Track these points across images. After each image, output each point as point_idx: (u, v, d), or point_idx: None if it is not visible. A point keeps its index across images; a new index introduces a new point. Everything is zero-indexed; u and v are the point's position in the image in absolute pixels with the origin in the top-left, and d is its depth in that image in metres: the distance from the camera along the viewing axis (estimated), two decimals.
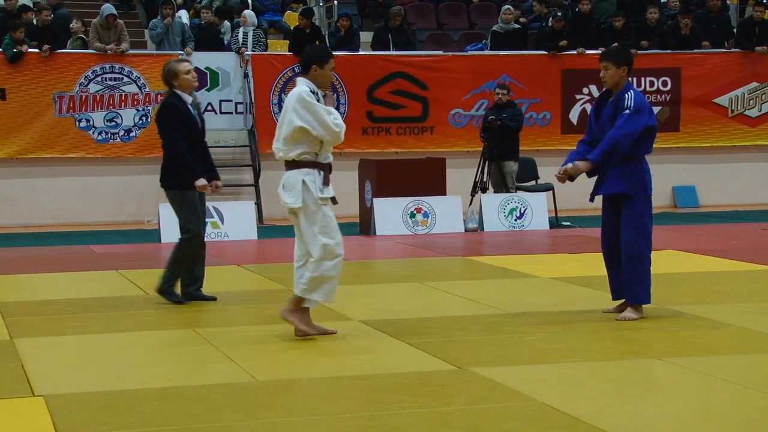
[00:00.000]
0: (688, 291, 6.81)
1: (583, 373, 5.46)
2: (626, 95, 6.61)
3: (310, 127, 6.13)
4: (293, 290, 6.45)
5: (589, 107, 15.05)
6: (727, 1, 17.11)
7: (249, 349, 6.23)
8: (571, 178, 6.72)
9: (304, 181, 6.17)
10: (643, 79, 14.96)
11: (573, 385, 5.24)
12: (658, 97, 15.15)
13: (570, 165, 6.67)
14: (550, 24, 15.21)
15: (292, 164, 6.24)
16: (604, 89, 6.81)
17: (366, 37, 15.69)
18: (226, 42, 14.88)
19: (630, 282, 6.65)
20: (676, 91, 15.28)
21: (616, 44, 14.79)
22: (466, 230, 12.39)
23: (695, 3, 16.47)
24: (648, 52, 14.86)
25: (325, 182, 6.21)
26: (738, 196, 14.96)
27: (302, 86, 6.28)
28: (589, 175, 6.73)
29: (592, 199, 6.88)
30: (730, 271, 8.82)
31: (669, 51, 15.15)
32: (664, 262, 8.41)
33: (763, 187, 15.26)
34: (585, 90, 15.14)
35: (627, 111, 6.56)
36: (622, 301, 6.78)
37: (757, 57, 15.25)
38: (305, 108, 6.15)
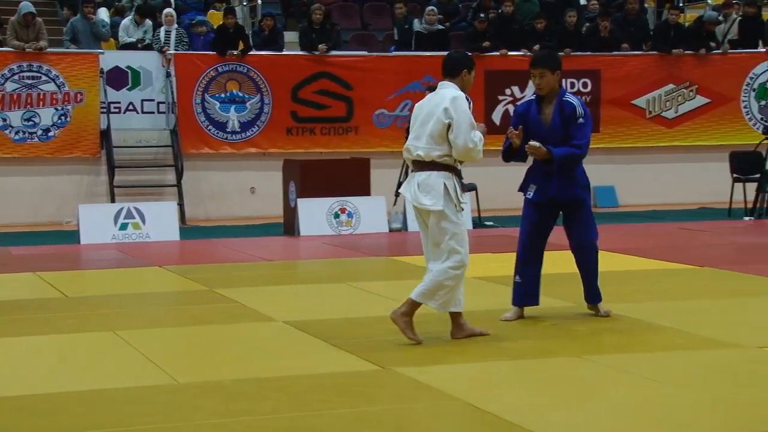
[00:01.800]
0: (608, 290, 6.89)
1: (507, 371, 5.49)
2: (574, 102, 6.54)
3: (455, 127, 5.92)
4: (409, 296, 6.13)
5: (511, 108, 15.23)
6: (645, 4, 17.42)
7: (170, 352, 6.14)
8: (530, 155, 6.51)
9: (445, 185, 5.94)
10: (563, 80, 15.12)
11: (496, 383, 5.27)
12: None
13: (538, 144, 6.43)
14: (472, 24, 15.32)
15: (430, 165, 5.99)
16: (535, 96, 6.66)
17: (291, 36, 15.62)
18: (147, 41, 14.70)
19: (591, 283, 6.69)
20: (596, 92, 15.51)
21: (538, 47, 14.98)
22: (390, 230, 12.41)
23: (614, 6, 16.74)
24: (566, 54, 15.02)
25: (463, 188, 6.03)
26: (656, 196, 15.24)
27: (454, 90, 6.10)
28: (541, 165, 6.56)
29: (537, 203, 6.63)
30: (650, 270, 8.98)
31: (589, 53, 15.37)
32: None
33: (679, 188, 15.57)
34: (507, 91, 15.29)
35: (581, 120, 6.54)
36: (523, 308, 6.78)
37: (674, 59, 15.56)
38: (460, 108, 5.97)
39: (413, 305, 6.05)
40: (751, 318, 6.86)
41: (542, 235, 6.73)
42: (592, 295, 6.76)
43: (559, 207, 6.70)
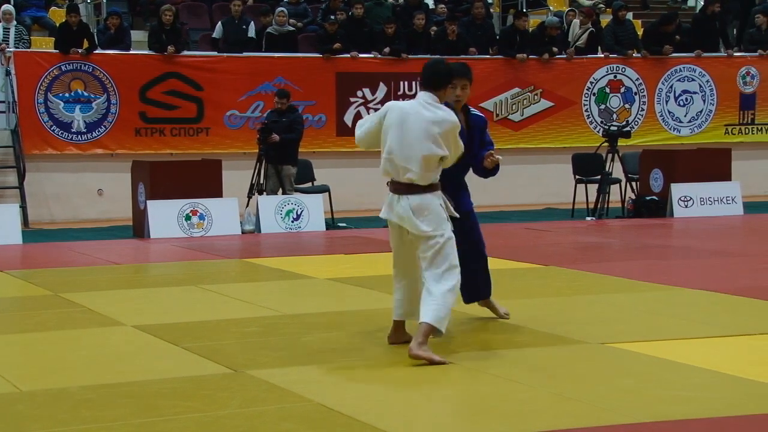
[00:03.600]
0: None
1: (359, 372, 5.52)
2: (478, 116, 6.44)
3: (449, 159, 5.72)
4: (403, 318, 5.89)
5: (363, 110, 15.36)
6: (491, 10, 17.83)
7: (12, 359, 5.92)
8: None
9: (441, 206, 5.68)
10: (413, 82, 15.36)
11: (348, 384, 5.29)
12: None
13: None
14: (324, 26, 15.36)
15: (426, 188, 5.65)
16: (445, 105, 5.89)
17: (138, 36, 15.30)
18: None
19: (486, 281, 6.63)
20: None
21: (388, 50, 15.14)
22: (243, 232, 12.31)
23: (461, 10, 17.06)
24: (416, 57, 15.24)
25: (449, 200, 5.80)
26: (502, 197, 15.59)
27: (446, 112, 5.67)
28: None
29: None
30: (497, 269, 9.17)
31: (437, 56, 15.61)
32: None
33: (524, 188, 15.98)
34: (359, 93, 15.38)
35: (487, 131, 6.49)
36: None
37: (519, 63, 15.97)
38: (455, 142, 5.72)
39: (429, 330, 5.59)
40: (595, 315, 7.11)
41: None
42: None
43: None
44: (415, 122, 5.65)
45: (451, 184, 6.14)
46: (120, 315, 7.07)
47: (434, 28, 16.16)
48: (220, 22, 15.11)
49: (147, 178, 12.15)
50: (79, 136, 14.21)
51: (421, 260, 5.74)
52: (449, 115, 5.70)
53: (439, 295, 5.62)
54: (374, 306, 7.28)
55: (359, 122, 6.07)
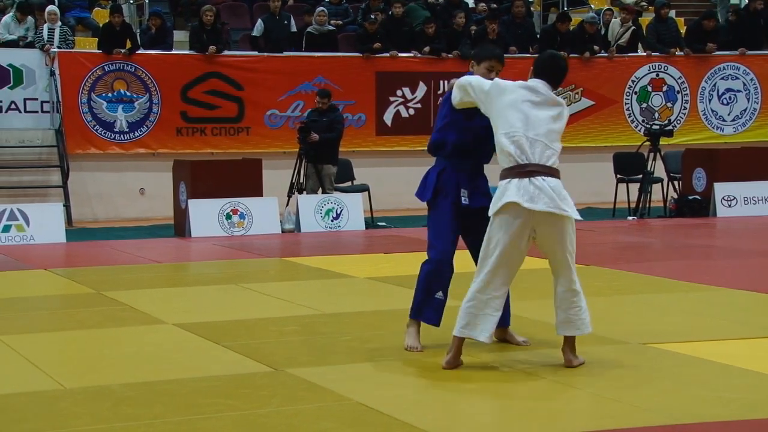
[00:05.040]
0: None
1: (397, 372, 5.52)
2: None
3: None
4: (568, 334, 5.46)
5: (402, 109, 15.37)
6: (531, 8, 17.74)
7: (56, 357, 6.00)
8: None
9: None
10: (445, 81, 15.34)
11: (387, 383, 5.29)
12: None
13: None
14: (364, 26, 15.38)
15: (555, 171, 5.34)
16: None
17: (179, 36, 15.41)
18: (29, 39, 14.33)
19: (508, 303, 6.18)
20: None
21: (428, 49, 15.13)
22: (283, 231, 12.36)
23: (502, 9, 17.00)
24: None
25: None
26: None
27: (562, 104, 5.51)
28: None
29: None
30: (534, 269, 9.12)
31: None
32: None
33: (566, 188, 15.83)
34: (399, 92, 15.38)
35: None
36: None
37: None
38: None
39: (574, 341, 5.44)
40: (635, 315, 7.06)
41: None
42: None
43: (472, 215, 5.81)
44: (545, 103, 5.38)
45: (474, 171, 5.79)
46: (161, 313, 7.13)
47: (474, 27, 16.11)
48: (260, 19, 15.17)
49: (188, 177, 12.24)
50: (122, 136, 14.34)
51: (555, 255, 5.30)
52: (553, 95, 5.46)
53: (582, 296, 5.38)
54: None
55: (460, 82, 5.58)
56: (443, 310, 5.84)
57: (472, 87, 5.51)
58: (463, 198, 5.74)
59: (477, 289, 5.35)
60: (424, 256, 5.96)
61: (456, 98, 5.63)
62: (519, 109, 5.31)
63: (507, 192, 5.24)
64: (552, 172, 5.30)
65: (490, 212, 5.34)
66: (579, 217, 5.38)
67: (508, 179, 5.27)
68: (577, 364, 5.44)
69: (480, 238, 5.43)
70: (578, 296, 5.40)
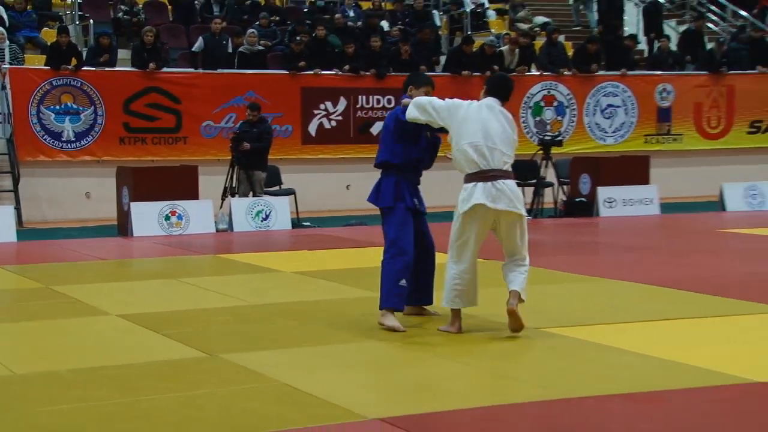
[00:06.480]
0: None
1: (319, 356, 5.53)
2: None
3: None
4: (514, 288, 5.90)
5: (325, 121, 15.36)
6: (439, 32, 17.89)
7: (8, 345, 5.85)
8: None
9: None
10: (370, 97, 15.44)
11: (310, 366, 5.29)
12: (384, 113, 15.61)
13: None
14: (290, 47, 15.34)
15: (509, 174, 5.82)
16: None
17: (122, 54, 15.17)
18: None
19: (430, 285, 6.44)
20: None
21: (348, 68, 15.15)
22: (217, 231, 12.24)
23: (412, 33, 17.11)
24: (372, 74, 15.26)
25: None
26: (446, 200, 15.64)
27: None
28: None
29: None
30: (438, 264, 9.20)
31: (393, 73, 15.64)
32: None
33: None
34: (322, 106, 15.37)
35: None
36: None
37: (464, 80, 16.00)
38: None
39: (518, 296, 5.91)
40: (530, 303, 7.15)
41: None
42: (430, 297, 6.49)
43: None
44: (491, 120, 5.76)
45: (416, 182, 6.25)
46: (106, 305, 7.01)
47: (392, 48, 16.17)
48: (201, 37, 14.99)
49: (130, 182, 12.06)
50: (69, 145, 14.06)
51: (512, 241, 5.90)
52: (503, 109, 5.84)
53: (526, 269, 5.93)
54: (337, 296, 7.29)
55: (416, 101, 5.90)
56: (406, 295, 6.09)
57: (432, 106, 5.90)
58: (417, 204, 6.22)
59: (463, 270, 5.94)
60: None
61: (412, 114, 5.96)
62: (478, 122, 5.75)
63: (474, 194, 5.78)
64: (508, 175, 5.80)
65: (460, 210, 5.83)
66: (526, 215, 5.99)
67: (473, 183, 5.79)
68: (515, 306, 5.82)
69: (420, 232, 6.17)
70: (524, 267, 5.97)
